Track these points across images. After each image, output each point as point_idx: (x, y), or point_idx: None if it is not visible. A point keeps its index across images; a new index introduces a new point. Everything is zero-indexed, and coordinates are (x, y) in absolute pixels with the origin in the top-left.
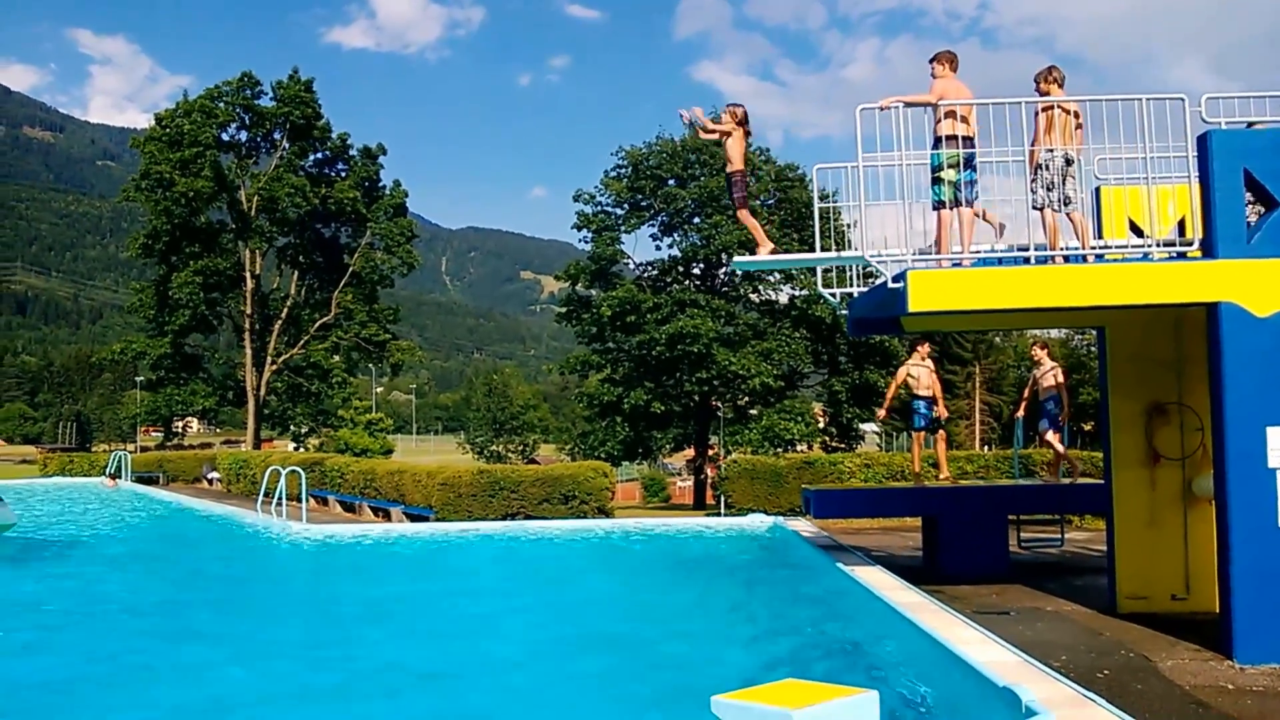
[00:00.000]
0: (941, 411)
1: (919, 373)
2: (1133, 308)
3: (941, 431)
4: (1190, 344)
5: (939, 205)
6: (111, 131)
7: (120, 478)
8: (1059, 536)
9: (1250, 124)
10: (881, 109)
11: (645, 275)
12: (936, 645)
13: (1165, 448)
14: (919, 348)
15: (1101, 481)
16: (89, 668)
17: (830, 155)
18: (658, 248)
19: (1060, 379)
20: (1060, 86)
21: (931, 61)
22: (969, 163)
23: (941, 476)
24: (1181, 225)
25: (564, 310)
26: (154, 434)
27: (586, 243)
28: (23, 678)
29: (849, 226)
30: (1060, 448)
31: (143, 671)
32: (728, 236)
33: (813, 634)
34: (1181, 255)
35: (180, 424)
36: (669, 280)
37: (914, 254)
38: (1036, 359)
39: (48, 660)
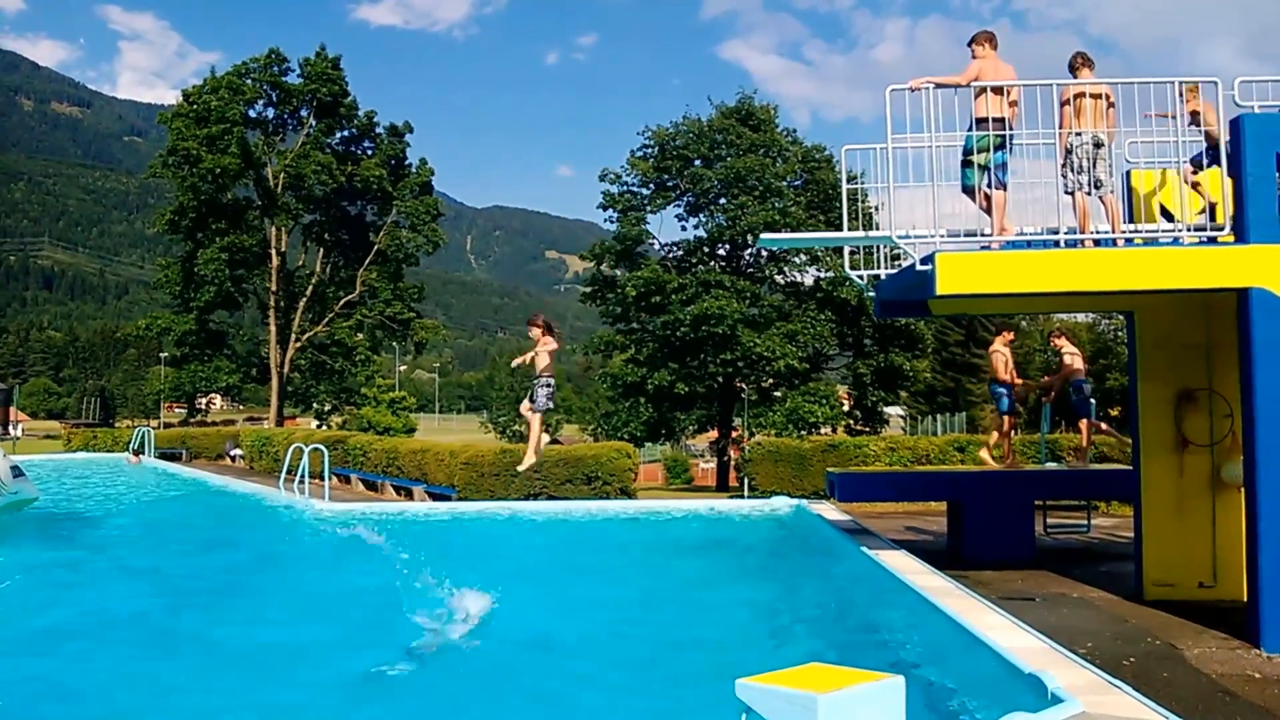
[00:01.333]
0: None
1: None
2: (1162, 292)
3: (1008, 418)
4: (1220, 329)
5: (969, 189)
6: (139, 107)
7: (144, 454)
8: (1085, 522)
9: None
10: (912, 90)
11: (670, 256)
12: (962, 630)
13: (1194, 434)
14: (1004, 334)
15: (1129, 467)
16: (101, 643)
17: (858, 136)
18: (683, 228)
19: (1077, 365)
20: (1091, 70)
21: (970, 44)
22: (1001, 145)
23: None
24: (1212, 210)
25: (589, 290)
26: (178, 410)
27: (612, 222)
28: (38, 652)
29: (876, 209)
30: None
31: (149, 648)
32: (754, 217)
33: (837, 618)
34: (1212, 240)
35: (204, 400)
36: (694, 261)
37: (942, 236)
38: (1058, 347)
39: (61, 636)
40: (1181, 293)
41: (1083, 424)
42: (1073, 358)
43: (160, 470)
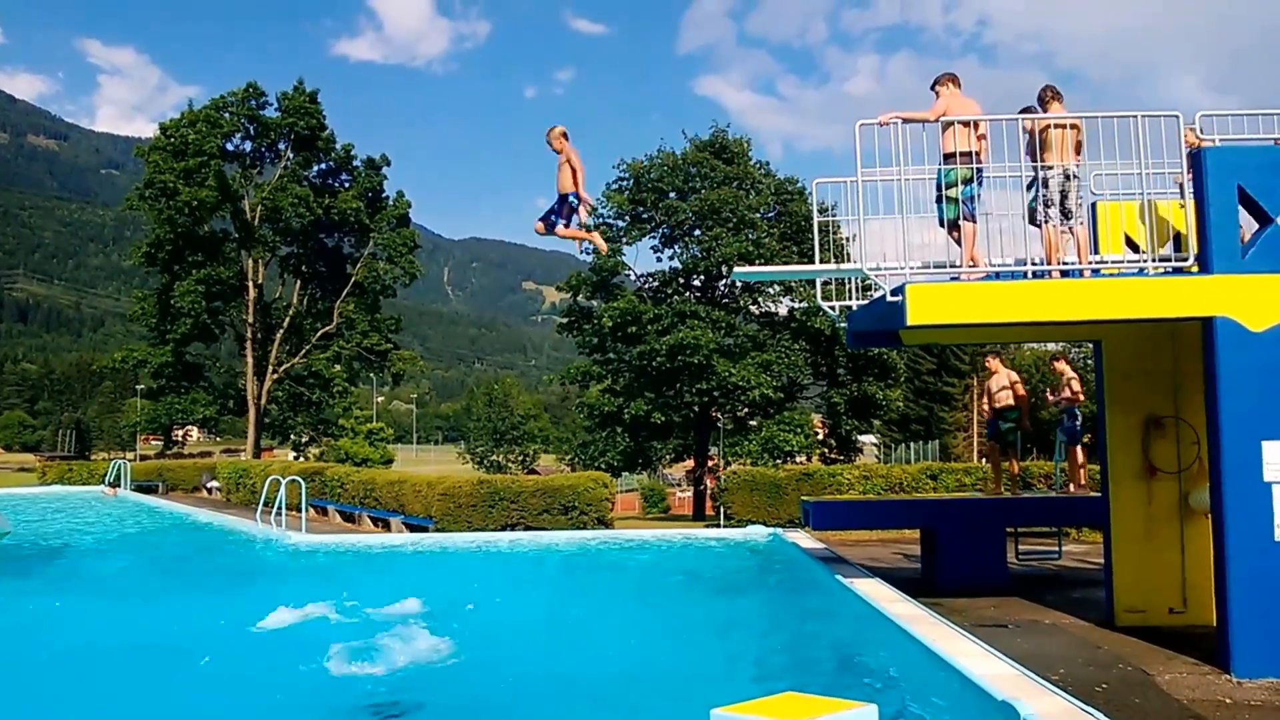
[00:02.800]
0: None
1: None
2: (1129, 322)
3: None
4: (1186, 358)
5: (953, 223)
6: (116, 140)
7: (120, 486)
8: (1056, 549)
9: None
10: (881, 125)
11: (646, 287)
12: (935, 658)
13: (1162, 461)
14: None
15: (1099, 494)
16: (74, 676)
17: (831, 168)
18: (658, 259)
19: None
20: (1060, 103)
21: (933, 86)
22: (969, 179)
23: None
24: (1177, 241)
25: (565, 321)
26: (154, 442)
27: (588, 254)
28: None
29: (848, 240)
30: (1080, 459)
31: (124, 680)
32: (728, 249)
33: (811, 647)
34: (1177, 270)
35: (180, 432)
36: (669, 292)
37: (913, 267)
38: (1059, 371)
39: (30, 669)
40: (1148, 322)
41: (1077, 450)
42: (1072, 381)
43: (135, 503)
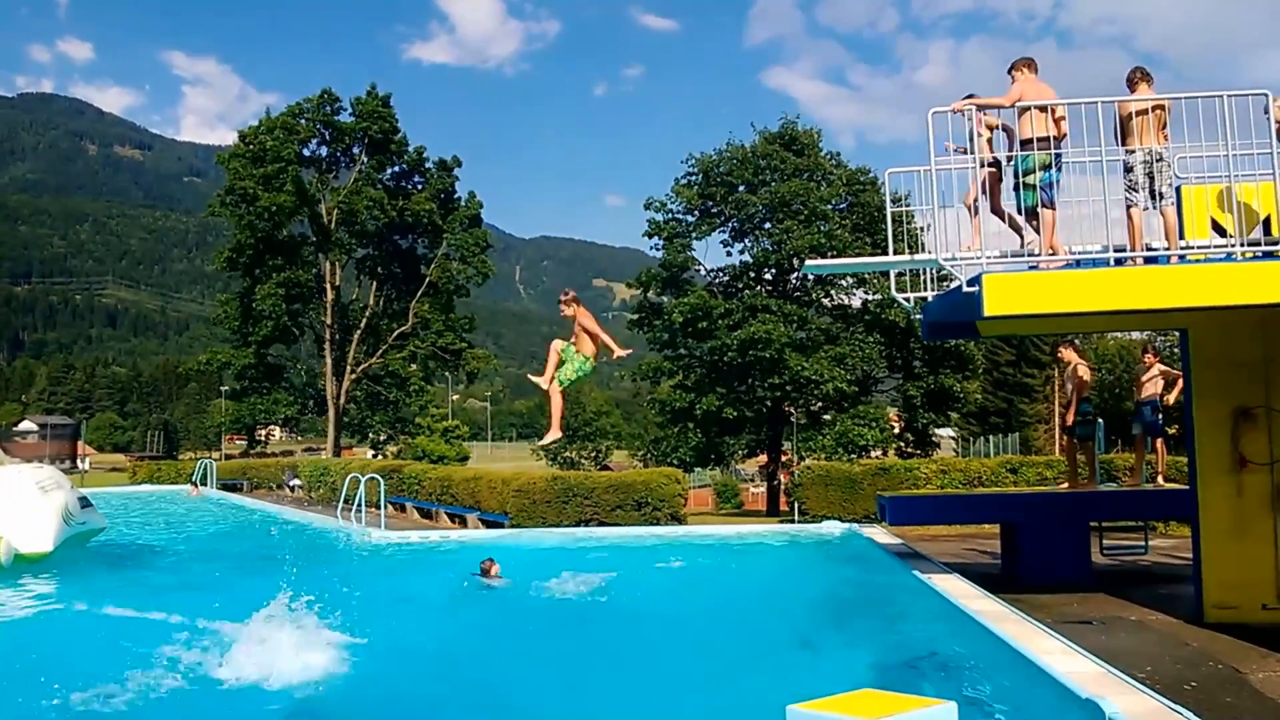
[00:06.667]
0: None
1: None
2: (1216, 309)
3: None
4: (1276, 346)
5: (1032, 211)
6: (197, 148)
7: (205, 485)
8: (1143, 544)
9: None
10: (954, 112)
11: (716, 281)
12: (1017, 655)
13: (1252, 452)
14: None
15: (1186, 487)
16: (147, 669)
17: (905, 158)
18: (729, 254)
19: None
20: (1150, 85)
21: (1010, 71)
22: (1047, 165)
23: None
24: (1267, 224)
25: (636, 317)
26: (238, 442)
27: (658, 250)
28: (87, 681)
29: (922, 230)
30: (1160, 453)
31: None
32: (799, 241)
33: (890, 643)
34: (1267, 254)
35: (263, 432)
36: (740, 286)
37: (990, 256)
38: (1147, 364)
39: (116, 664)
40: (1237, 309)
41: (1159, 443)
42: (1154, 378)
43: (218, 500)
